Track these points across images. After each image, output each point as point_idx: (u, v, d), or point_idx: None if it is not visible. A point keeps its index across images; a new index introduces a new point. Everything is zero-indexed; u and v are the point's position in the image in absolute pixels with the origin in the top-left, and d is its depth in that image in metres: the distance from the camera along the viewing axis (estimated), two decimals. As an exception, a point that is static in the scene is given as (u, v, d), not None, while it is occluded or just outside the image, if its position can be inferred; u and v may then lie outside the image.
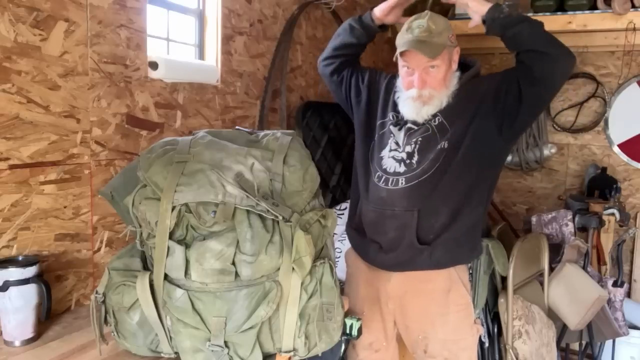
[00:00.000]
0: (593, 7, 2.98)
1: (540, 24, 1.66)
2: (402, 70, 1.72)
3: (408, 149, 1.70)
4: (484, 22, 1.71)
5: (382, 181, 1.71)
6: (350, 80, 1.91)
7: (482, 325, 1.84)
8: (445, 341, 1.68)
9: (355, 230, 1.83)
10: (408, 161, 1.68)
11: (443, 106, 1.70)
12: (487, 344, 1.89)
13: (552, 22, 3.10)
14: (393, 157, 1.71)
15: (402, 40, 1.66)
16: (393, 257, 1.70)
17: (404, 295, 1.71)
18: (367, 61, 3.37)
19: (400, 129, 1.74)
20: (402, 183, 1.67)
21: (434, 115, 1.70)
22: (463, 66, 1.78)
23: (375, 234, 1.73)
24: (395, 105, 1.79)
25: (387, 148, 1.74)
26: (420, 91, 1.67)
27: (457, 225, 1.67)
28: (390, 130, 1.76)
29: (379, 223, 1.71)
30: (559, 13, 3.07)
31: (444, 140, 1.67)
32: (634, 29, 2.89)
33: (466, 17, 3.33)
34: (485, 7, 1.70)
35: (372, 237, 1.75)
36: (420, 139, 1.69)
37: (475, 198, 1.71)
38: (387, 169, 1.71)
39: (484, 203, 1.77)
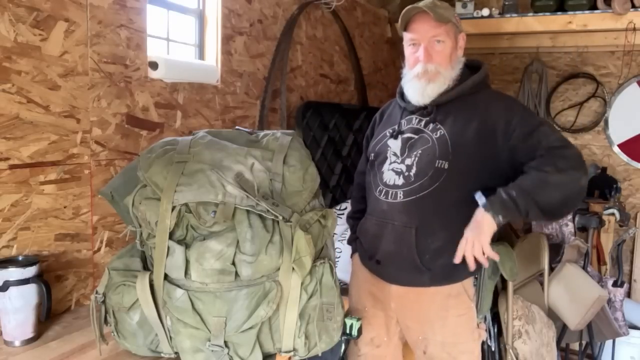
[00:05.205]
0: (593, 7, 2.98)
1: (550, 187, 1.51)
2: (407, 49, 1.71)
3: (408, 161, 1.67)
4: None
5: (382, 194, 1.69)
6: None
7: (487, 329, 1.81)
8: (444, 344, 1.67)
9: (360, 241, 1.84)
10: (407, 174, 1.66)
11: (445, 89, 1.66)
12: (493, 347, 1.87)
13: (552, 22, 3.11)
14: (393, 170, 1.70)
15: (406, 10, 1.65)
16: (393, 272, 1.70)
17: (405, 296, 1.71)
18: (368, 61, 3.37)
19: (396, 138, 1.73)
20: (400, 197, 1.65)
21: (436, 127, 1.66)
22: (469, 68, 1.75)
23: (374, 247, 1.72)
24: (391, 121, 1.80)
25: (388, 161, 1.72)
26: (426, 65, 1.64)
27: (454, 252, 1.61)
28: (387, 144, 1.75)
29: (379, 235, 1.70)
30: (559, 13, 3.07)
31: (445, 160, 1.61)
32: (634, 29, 2.89)
33: (467, 17, 3.32)
34: (487, 221, 1.53)
35: (371, 251, 1.74)
36: (420, 152, 1.66)
37: None
38: (387, 182, 1.69)
39: None
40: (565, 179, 1.51)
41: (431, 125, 1.68)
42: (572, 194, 1.54)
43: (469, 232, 1.58)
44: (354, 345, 1.81)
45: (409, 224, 1.63)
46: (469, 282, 1.70)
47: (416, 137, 1.69)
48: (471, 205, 1.64)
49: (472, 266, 1.57)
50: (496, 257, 1.59)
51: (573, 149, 1.57)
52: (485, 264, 1.59)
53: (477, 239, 1.55)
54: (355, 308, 1.81)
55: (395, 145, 1.73)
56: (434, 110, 1.68)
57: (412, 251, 1.63)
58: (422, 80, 1.66)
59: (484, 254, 1.55)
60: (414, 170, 1.65)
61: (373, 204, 1.75)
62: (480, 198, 1.56)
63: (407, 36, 1.70)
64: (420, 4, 1.65)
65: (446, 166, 1.61)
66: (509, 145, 1.60)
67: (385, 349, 1.80)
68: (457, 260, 1.58)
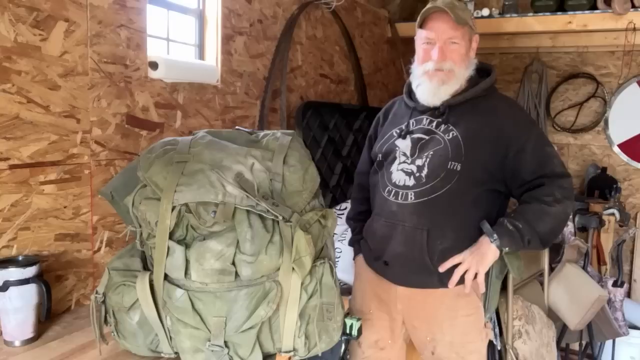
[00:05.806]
0: (593, 7, 2.98)
1: (547, 219, 1.60)
2: (420, 47, 1.70)
3: (418, 162, 1.66)
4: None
5: (392, 195, 1.68)
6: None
7: (493, 328, 1.82)
8: (453, 344, 1.66)
9: (366, 242, 1.82)
10: (417, 174, 1.65)
11: (457, 90, 1.67)
12: (499, 346, 1.87)
13: (552, 22, 3.11)
14: (402, 170, 1.68)
15: (427, 8, 1.65)
16: (400, 274, 1.68)
17: (412, 297, 1.70)
18: (368, 61, 3.37)
19: (404, 138, 1.71)
20: (411, 198, 1.64)
21: (448, 128, 1.65)
22: (476, 70, 1.75)
23: (382, 248, 1.70)
24: (397, 121, 1.78)
25: (397, 162, 1.71)
26: (439, 63, 1.64)
27: (461, 252, 1.64)
28: (395, 144, 1.73)
29: (387, 237, 1.68)
30: (559, 13, 3.07)
31: (458, 162, 1.61)
32: (634, 29, 2.90)
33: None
34: (492, 252, 1.60)
35: (378, 252, 1.73)
36: (431, 153, 1.64)
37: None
38: (397, 182, 1.68)
39: None
40: (560, 210, 1.61)
41: (443, 127, 1.67)
42: (563, 223, 1.68)
43: (469, 257, 1.61)
44: (357, 348, 1.80)
45: (420, 226, 1.62)
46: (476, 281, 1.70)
47: (427, 137, 1.68)
48: (481, 207, 1.65)
49: (452, 284, 1.63)
50: (482, 289, 1.66)
51: (569, 177, 1.67)
52: (467, 289, 1.63)
53: (477, 266, 1.60)
54: (360, 310, 1.81)
55: (404, 145, 1.71)
56: (447, 112, 1.67)
57: (424, 253, 1.62)
58: (434, 81, 1.66)
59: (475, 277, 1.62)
60: (425, 171, 1.64)
61: (380, 205, 1.73)
62: (487, 229, 1.60)
63: (422, 34, 1.69)
64: (439, 2, 1.64)
65: (459, 168, 1.61)
66: (518, 159, 1.63)
67: (390, 352, 1.80)
68: (451, 285, 1.63)
